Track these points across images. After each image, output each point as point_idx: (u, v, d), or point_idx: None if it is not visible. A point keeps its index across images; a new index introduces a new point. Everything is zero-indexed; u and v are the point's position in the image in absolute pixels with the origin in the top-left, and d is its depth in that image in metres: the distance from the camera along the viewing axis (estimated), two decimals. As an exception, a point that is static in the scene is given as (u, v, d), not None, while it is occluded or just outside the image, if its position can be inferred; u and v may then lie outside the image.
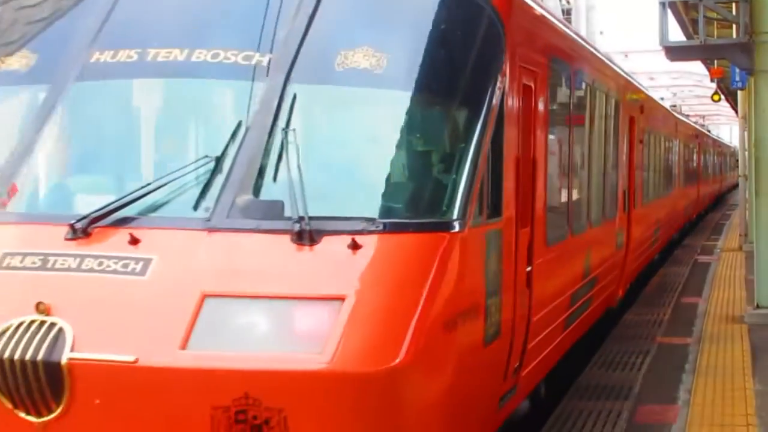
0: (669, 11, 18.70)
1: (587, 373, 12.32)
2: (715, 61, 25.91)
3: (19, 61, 7.73)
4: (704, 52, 20.21)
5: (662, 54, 20.21)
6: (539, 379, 9.96)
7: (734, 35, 18.20)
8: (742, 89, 25.60)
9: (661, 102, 28.35)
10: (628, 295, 17.93)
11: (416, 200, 7.05)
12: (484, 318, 7.36)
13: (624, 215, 16.04)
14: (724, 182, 65.46)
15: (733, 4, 18.13)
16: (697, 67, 45.41)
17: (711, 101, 44.37)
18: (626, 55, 50.66)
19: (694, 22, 20.41)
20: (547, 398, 10.77)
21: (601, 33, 76.11)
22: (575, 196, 11.89)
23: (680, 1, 19.55)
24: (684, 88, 64.61)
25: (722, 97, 37.96)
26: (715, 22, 21.00)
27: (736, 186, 55.99)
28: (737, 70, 21.64)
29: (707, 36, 18.08)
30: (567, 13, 67.03)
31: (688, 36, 24.34)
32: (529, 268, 8.87)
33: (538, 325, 9.30)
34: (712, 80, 34.35)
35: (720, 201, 63.50)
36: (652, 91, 28.32)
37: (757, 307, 16.02)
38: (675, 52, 19.21)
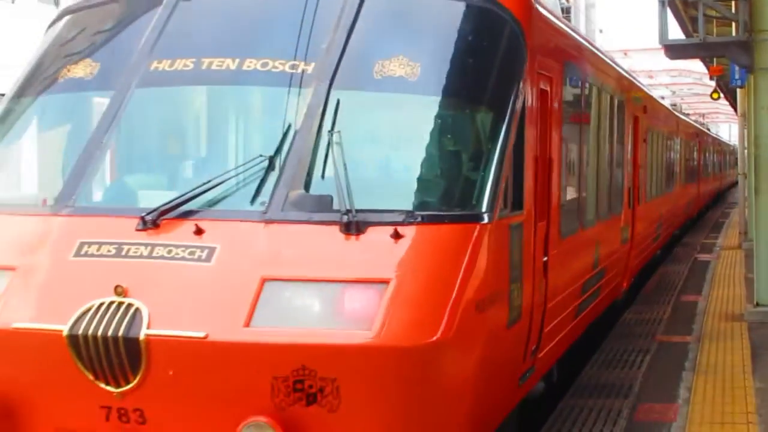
0: (668, 9, 18.71)
1: (588, 372, 12.34)
2: (715, 59, 25.92)
3: (83, 70, 8.33)
4: (704, 50, 20.19)
5: (662, 52, 20.21)
6: (553, 362, 10.50)
7: (734, 33, 18.22)
8: (741, 87, 25.56)
9: (662, 101, 28.62)
10: (629, 294, 17.96)
11: (449, 195, 7.72)
12: (508, 302, 8.02)
13: (629, 211, 16.55)
14: (723, 180, 65.59)
15: (733, 2, 18.17)
16: (696, 65, 45.50)
17: (710, 99, 44.41)
18: (626, 53, 50.75)
19: (694, 20, 20.42)
20: (559, 383, 11.28)
21: (601, 31, 76.20)
22: (585, 192, 12.40)
23: (680, 0, 19.56)
24: (683, 86, 64.69)
25: (721, 95, 37.96)
26: (715, 20, 21.00)
27: (735, 184, 56.06)
28: (736, 68, 21.61)
29: (707, 34, 18.08)
30: (566, 11, 67.00)
31: (688, 34, 24.36)
32: (545, 258, 9.51)
33: (552, 312, 9.90)
34: (711, 78, 34.37)
35: (720, 198, 63.55)
36: (652, 90, 28.37)
37: (757, 305, 16.04)
38: (674, 50, 19.21)
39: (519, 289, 8.37)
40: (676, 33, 23.70)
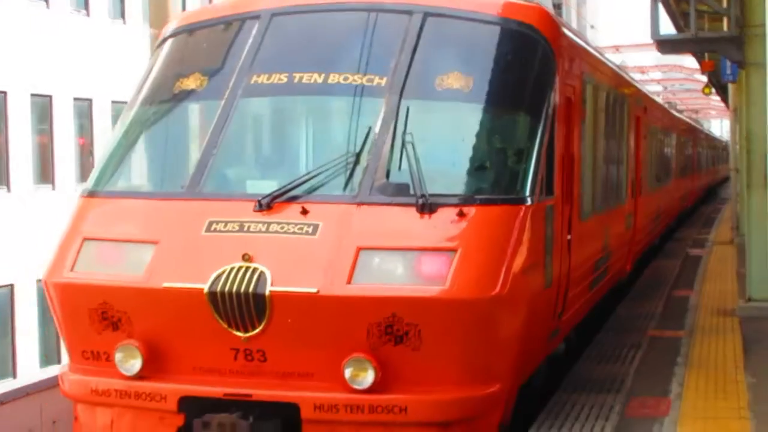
0: (660, 4, 18.71)
1: (580, 366, 12.35)
2: (706, 54, 25.84)
3: (193, 82, 10.03)
4: (695, 46, 20.21)
5: (653, 48, 20.26)
6: (572, 326, 12.32)
7: (725, 28, 18.17)
8: (733, 82, 25.53)
9: (659, 101, 29.64)
10: (621, 289, 18.04)
11: (499, 182, 9.44)
12: (543, 270, 9.77)
13: (632, 201, 18.13)
14: (716, 175, 65.89)
15: (725, -2, 18.16)
16: (688, 60, 45.50)
17: (702, 94, 44.46)
18: (617, 49, 50.74)
19: (685, 16, 20.42)
20: (577, 343, 13.18)
21: (592, 27, 76.30)
22: (597, 182, 13.87)
23: (671, -6, 19.57)
24: (675, 82, 64.75)
25: (713, 90, 37.96)
26: (706, 15, 20.97)
27: (727, 179, 56.18)
28: (728, 63, 21.57)
29: (698, 29, 18.07)
30: (557, 6, 66.94)
31: (679, 29, 24.31)
32: (569, 237, 11.10)
33: (574, 282, 11.49)
34: (703, 73, 34.31)
35: (712, 192, 63.72)
36: (645, 85, 28.61)
37: (749, 300, 16.06)
38: (666, 46, 19.21)
39: (551, 260, 10.09)
40: (667, 28, 23.70)
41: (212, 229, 8.86)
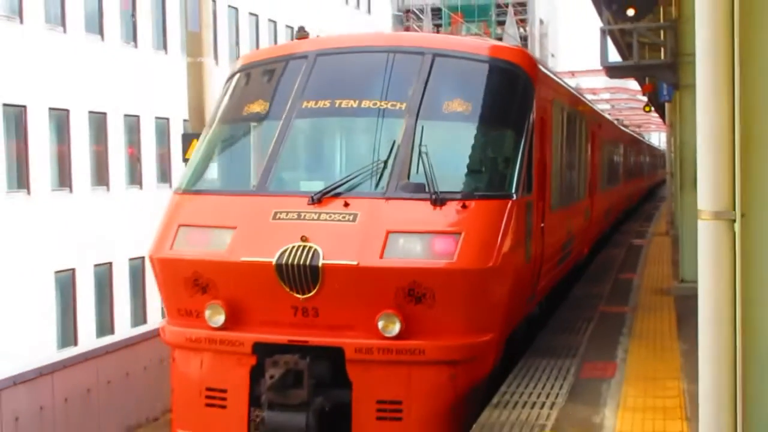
0: (608, 37, 18.71)
1: (542, 337, 12.37)
2: (647, 78, 25.83)
3: (258, 107, 10.93)
4: (638, 71, 20.23)
5: (603, 73, 20.28)
6: (544, 294, 13.04)
7: (662, 57, 18.20)
8: (668, 101, 25.53)
9: (610, 118, 30.17)
10: (575, 273, 18.05)
11: (492, 183, 10.29)
12: (524, 249, 10.53)
13: (589, 198, 18.70)
14: (655, 178, 65.78)
15: (661, 31, 18.15)
16: (631, 83, 45.47)
17: (643, 112, 44.32)
18: (573, 74, 50.62)
19: (629, 46, 20.37)
20: (545, 312, 13.85)
21: (553, 55, 76.13)
22: (563, 183, 14.47)
23: (617, 29, 19.53)
24: (621, 101, 64.65)
25: (652, 108, 37.89)
26: (647, 46, 20.96)
27: (664, 181, 56.14)
28: (665, 86, 21.57)
29: (640, 58, 18.06)
30: (524, 38, 66.82)
31: (624, 57, 24.33)
32: (542, 225, 11.75)
33: (546, 259, 12.18)
34: (644, 94, 34.25)
35: (652, 192, 63.68)
36: (596, 104, 28.61)
37: (682, 281, 16.06)
38: (613, 71, 19.22)
39: (530, 242, 10.80)
40: (614, 57, 23.71)
41: (277, 217, 9.71)
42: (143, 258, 29.83)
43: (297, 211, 9.69)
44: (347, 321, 9.38)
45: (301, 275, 9.30)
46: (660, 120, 53.89)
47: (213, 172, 11.23)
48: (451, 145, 10.59)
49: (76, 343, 25.92)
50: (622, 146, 31.96)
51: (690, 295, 15.04)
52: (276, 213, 9.73)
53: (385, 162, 9.94)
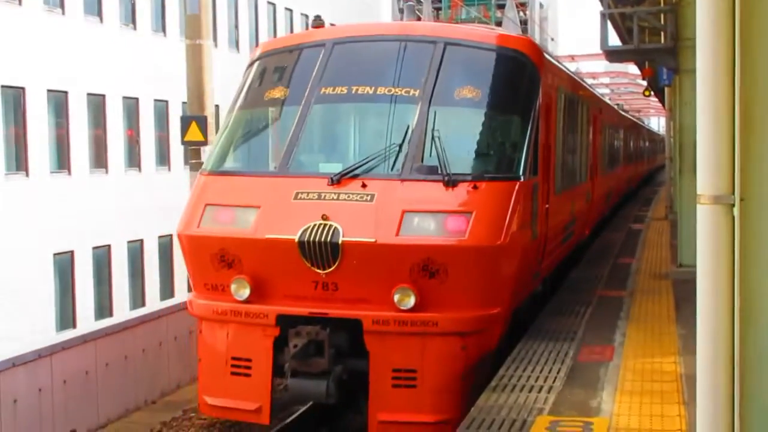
0: (608, 21, 18.66)
1: (540, 320, 12.38)
2: (646, 63, 25.77)
3: (279, 93, 11.31)
4: (638, 55, 20.19)
5: (603, 57, 20.26)
6: (548, 272, 13.68)
7: (662, 41, 18.16)
8: (668, 86, 25.45)
9: (610, 103, 30.28)
10: (572, 259, 18.07)
11: (501, 165, 10.68)
12: (530, 228, 10.98)
13: (590, 181, 19.11)
14: (654, 162, 65.69)
15: (662, 15, 18.10)
16: (631, 67, 45.39)
17: (643, 96, 44.33)
18: (573, 58, 50.57)
19: (629, 30, 20.31)
20: (548, 292, 14.40)
21: (552, 39, 76.00)
22: (567, 166, 14.86)
23: (617, 13, 19.48)
24: (620, 86, 64.57)
25: (652, 92, 37.87)
26: (647, 30, 20.91)
27: (663, 166, 56.09)
28: (665, 70, 21.50)
29: (640, 42, 18.02)
30: (524, 22, 66.62)
31: (624, 41, 24.22)
32: (547, 206, 12.19)
33: (550, 239, 12.67)
34: (643, 78, 34.23)
35: (651, 177, 63.66)
36: (596, 89, 28.60)
37: (680, 266, 16.09)
38: (613, 55, 19.22)
39: (535, 221, 11.25)
40: (614, 41, 23.65)
41: (298, 197, 10.13)
42: (141, 240, 29.90)
43: (317, 191, 10.13)
44: (365, 294, 9.85)
45: (322, 251, 9.76)
46: (659, 105, 53.86)
47: (237, 154, 11.65)
48: (462, 129, 10.98)
49: (74, 326, 25.94)
50: (622, 131, 31.99)
51: (688, 280, 15.09)
52: (297, 193, 10.16)
53: (400, 145, 10.33)
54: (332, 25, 12.35)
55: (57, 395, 11.31)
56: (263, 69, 11.85)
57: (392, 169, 10.25)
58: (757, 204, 3.88)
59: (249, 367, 10.28)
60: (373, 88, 10.80)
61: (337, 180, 10.10)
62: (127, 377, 13.02)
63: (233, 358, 10.37)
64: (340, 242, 9.70)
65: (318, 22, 12.17)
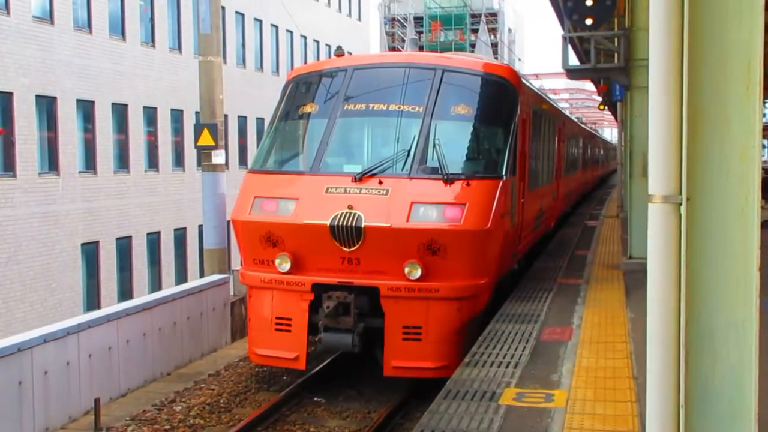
0: (569, 44, 18.65)
1: (507, 305, 12.37)
2: (602, 80, 25.81)
3: (310, 108, 12.36)
4: (594, 73, 20.16)
5: (563, 75, 20.26)
6: (522, 253, 14.56)
7: (616, 61, 18.14)
8: (621, 101, 25.52)
9: (572, 116, 30.69)
10: (536, 250, 18.07)
11: (488, 167, 11.69)
12: (511, 217, 12.01)
13: (556, 182, 20.05)
14: (608, 167, 65.98)
15: (615, 39, 18.11)
16: (588, 84, 45.43)
17: (598, 110, 44.32)
18: (537, 76, 50.58)
19: (587, 52, 20.33)
20: (520, 272, 15.13)
21: (520, 59, 75.96)
22: (538, 169, 15.82)
23: (577, 36, 19.48)
24: (578, 100, 64.69)
25: (606, 107, 37.92)
26: (602, 52, 20.92)
27: (615, 170, 56.27)
28: (618, 87, 21.55)
29: (597, 62, 18.03)
30: (494, 45, 66.48)
31: (582, 61, 24.26)
32: (522, 200, 13.14)
33: (524, 227, 13.71)
34: (599, 94, 34.26)
35: (605, 180, 63.87)
36: (558, 104, 28.71)
37: (630, 257, 16.10)
38: (573, 73, 19.16)
39: (514, 212, 12.24)
40: (574, 60, 23.65)
41: (329, 191, 11.13)
42: (159, 233, 29.77)
43: (344, 187, 11.12)
44: (382, 267, 10.89)
45: (348, 234, 10.81)
46: (613, 117, 53.95)
47: (277, 157, 12.47)
48: (457, 138, 11.86)
49: (99, 307, 25.83)
50: (581, 140, 32.43)
51: (637, 270, 15.23)
52: (328, 188, 11.17)
53: (408, 151, 11.34)
54: (339, 48, 13.28)
55: (83, 368, 11.24)
56: (296, 88, 12.78)
57: (402, 170, 11.25)
58: (701, 203, 3.89)
59: (290, 325, 11.31)
60: (386, 105, 11.81)
61: (359, 178, 11.15)
62: (146, 352, 12.96)
63: (277, 318, 11.41)
64: (362, 226, 10.74)
65: (339, 52, 13.07)
